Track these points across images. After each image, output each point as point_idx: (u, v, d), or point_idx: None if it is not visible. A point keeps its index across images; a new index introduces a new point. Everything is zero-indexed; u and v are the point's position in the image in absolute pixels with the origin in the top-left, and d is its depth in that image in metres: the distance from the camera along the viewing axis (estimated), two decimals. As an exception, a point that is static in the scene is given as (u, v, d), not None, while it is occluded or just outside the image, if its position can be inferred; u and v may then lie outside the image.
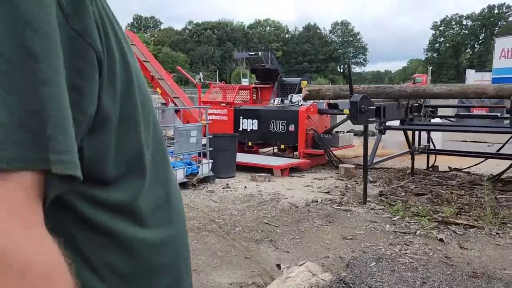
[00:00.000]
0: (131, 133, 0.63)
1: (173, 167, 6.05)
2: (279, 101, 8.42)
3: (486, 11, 73.43)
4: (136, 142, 0.64)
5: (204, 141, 6.80)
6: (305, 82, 8.47)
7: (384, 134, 5.91)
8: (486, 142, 9.40)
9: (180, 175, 6.11)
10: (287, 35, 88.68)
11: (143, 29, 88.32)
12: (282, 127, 7.95)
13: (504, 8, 72.30)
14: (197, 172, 6.51)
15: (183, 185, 6.15)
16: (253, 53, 9.94)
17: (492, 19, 72.67)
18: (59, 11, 0.51)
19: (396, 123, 6.41)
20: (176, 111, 9.41)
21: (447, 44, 75.75)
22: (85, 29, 0.54)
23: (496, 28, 71.15)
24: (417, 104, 6.58)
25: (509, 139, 6.34)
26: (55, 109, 0.48)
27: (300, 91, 8.43)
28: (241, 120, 8.51)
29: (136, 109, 0.64)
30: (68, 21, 0.52)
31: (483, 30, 73.87)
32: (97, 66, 0.55)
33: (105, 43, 0.57)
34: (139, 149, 0.65)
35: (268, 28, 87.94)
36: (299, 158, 7.80)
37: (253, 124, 8.35)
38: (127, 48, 0.64)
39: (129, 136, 0.63)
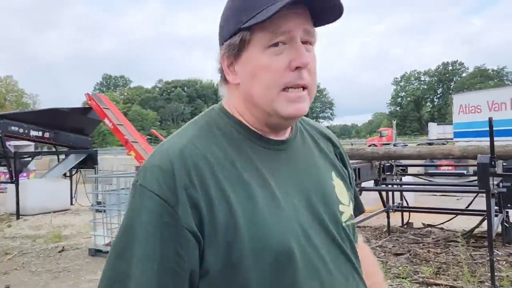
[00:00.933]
0: (234, 281, 0.78)
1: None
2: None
3: (441, 67, 78.07)
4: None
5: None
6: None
7: (360, 195, 6.08)
8: (455, 196, 9.74)
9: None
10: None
11: (112, 87, 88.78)
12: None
13: (457, 65, 77.13)
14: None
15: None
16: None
17: (447, 75, 77.18)
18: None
19: (371, 183, 6.63)
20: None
21: (409, 98, 79.35)
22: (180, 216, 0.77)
23: (452, 83, 75.42)
24: (389, 164, 6.85)
25: (475, 197, 6.66)
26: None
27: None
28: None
29: (242, 257, 0.78)
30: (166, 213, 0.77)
31: (440, 85, 78.09)
32: (193, 239, 0.77)
33: (207, 212, 0.78)
34: None
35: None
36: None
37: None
38: (237, 198, 0.82)
39: (233, 284, 0.78)
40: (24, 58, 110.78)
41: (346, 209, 0.98)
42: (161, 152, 0.84)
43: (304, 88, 0.87)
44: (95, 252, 6.22)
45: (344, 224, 0.96)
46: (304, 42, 0.86)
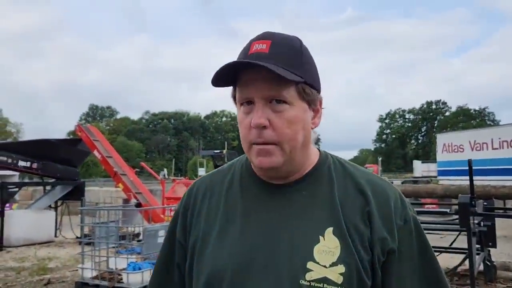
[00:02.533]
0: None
1: (140, 268, 6.00)
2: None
3: (425, 106, 79.93)
4: None
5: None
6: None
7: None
8: (438, 234, 9.90)
9: (147, 277, 6.02)
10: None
11: (98, 118, 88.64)
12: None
13: (440, 104, 79.13)
14: (164, 273, 6.43)
15: (150, 287, 6.03)
16: (218, 151, 10.36)
17: (431, 114, 78.93)
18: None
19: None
20: (138, 206, 9.42)
21: (394, 136, 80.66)
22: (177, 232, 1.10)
23: (436, 122, 77.07)
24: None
25: (458, 235, 6.83)
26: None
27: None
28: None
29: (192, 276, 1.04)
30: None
31: (424, 123, 79.70)
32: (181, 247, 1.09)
33: (188, 233, 1.06)
34: None
35: (224, 118, 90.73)
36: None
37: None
38: (204, 223, 1.05)
39: None
40: (9, 86, 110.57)
41: (319, 270, 0.90)
42: None
43: (270, 143, 0.94)
44: (82, 285, 6.16)
45: (303, 282, 0.90)
46: (271, 103, 0.94)
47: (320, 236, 0.93)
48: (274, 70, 0.89)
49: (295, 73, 0.93)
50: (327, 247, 0.92)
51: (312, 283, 0.90)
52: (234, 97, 1.00)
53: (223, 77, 0.95)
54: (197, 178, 1.21)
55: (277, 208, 0.98)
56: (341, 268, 0.90)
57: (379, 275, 0.95)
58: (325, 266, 0.91)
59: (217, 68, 0.93)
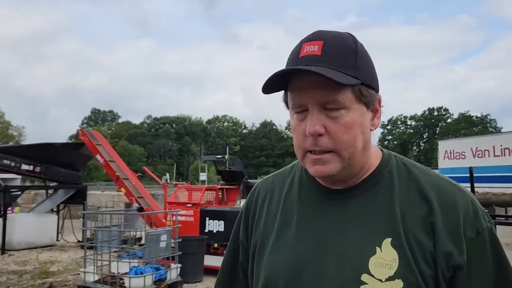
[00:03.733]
0: None
1: (142, 273, 6.01)
2: (245, 202, 8.65)
3: (427, 113, 79.90)
4: None
5: (173, 244, 6.82)
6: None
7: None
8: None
9: (148, 281, 6.04)
10: (244, 130, 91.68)
11: (100, 122, 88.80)
12: (248, 228, 8.08)
13: (442, 110, 79.12)
14: (165, 278, 6.45)
15: (151, 291, 6.05)
16: (220, 156, 10.39)
17: (433, 120, 78.86)
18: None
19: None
20: (140, 211, 9.44)
21: (395, 142, 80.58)
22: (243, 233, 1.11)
23: (437, 129, 77.05)
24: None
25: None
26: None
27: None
28: (207, 221, 8.61)
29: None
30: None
31: (426, 130, 79.64)
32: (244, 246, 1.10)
33: (250, 230, 1.08)
34: None
35: (226, 123, 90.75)
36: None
37: (219, 225, 8.46)
38: (264, 225, 1.05)
39: None
40: (12, 90, 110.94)
41: (374, 283, 0.84)
42: None
43: (327, 152, 0.89)
44: (84, 289, 6.18)
45: None
46: (327, 109, 0.89)
47: (376, 247, 0.87)
48: (328, 75, 0.83)
49: (351, 75, 0.87)
50: (384, 260, 0.85)
51: None
52: (285, 102, 0.95)
53: (273, 84, 0.91)
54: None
55: (332, 214, 0.94)
56: (398, 283, 0.83)
57: None
58: (380, 280, 0.84)
59: (266, 77, 0.88)
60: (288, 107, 0.95)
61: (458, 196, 0.91)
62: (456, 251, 0.85)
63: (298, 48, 0.92)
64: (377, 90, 0.95)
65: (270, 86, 0.90)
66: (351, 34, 0.94)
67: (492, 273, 0.87)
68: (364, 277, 0.85)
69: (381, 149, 1.02)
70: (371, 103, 0.93)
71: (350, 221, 0.92)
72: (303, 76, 0.87)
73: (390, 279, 0.84)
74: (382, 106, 0.97)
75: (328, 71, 0.84)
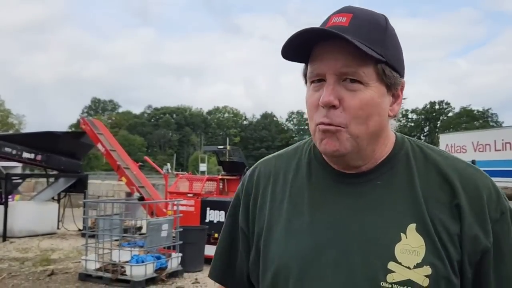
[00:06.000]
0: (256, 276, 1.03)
1: (143, 261, 6.04)
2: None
3: (428, 106, 79.78)
4: None
5: (174, 234, 6.85)
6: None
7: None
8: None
9: (150, 270, 6.08)
10: (245, 122, 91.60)
11: (100, 111, 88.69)
12: (249, 219, 8.10)
13: (444, 104, 79.00)
14: (166, 266, 6.48)
15: (152, 280, 6.09)
16: (221, 147, 10.39)
17: (434, 114, 78.77)
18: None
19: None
20: (140, 200, 9.46)
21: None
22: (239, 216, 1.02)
23: (439, 122, 77.01)
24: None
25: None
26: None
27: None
28: (207, 211, 8.63)
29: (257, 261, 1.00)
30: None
31: (427, 123, 79.59)
32: (244, 235, 1.02)
33: (251, 216, 0.99)
34: None
35: (226, 114, 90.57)
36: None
37: (219, 215, 8.47)
38: (270, 210, 0.96)
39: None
40: (12, 78, 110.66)
41: (402, 271, 0.81)
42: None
43: (337, 125, 0.84)
44: (85, 277, 6.23)
45: (384, 284, 0.81)
46: (346, 80, 0.84)
47: (401, 234, 0.83)
48: (352, 41, 0.79)
49: (376, 51, 0.83)
50: (410, 246, 0.82)
51: (395, 286, 0.81)
52: (305, 76, 0.90)
53: (294, 49, 0.85)
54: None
55: (348, 199, 0.88)
56: (427, 270, 0.81)
57: (470, 277, 0.84)
58: (409, 268, 0.81)
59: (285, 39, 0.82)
60: (306, 82, 0.90)
61: (479, 178, 0.88)
62: (483, 233, 0.83)
63: (326, 20, 0.88)
64: (402, 75, 0.89)
65: (290, 51, 0.86)
66: (385, 15, 0.90)
67: None
68: (391, 265, 0.81)
69: (394, 132, 0.98)
70: (393, 85, 0.88)
71: (368, 207, 0.87)
72: (326, 44, 0.83)
73: (418, 266, 0.81)
74: (404, 98, 0.92)
75: (353, 39, 0.80)
